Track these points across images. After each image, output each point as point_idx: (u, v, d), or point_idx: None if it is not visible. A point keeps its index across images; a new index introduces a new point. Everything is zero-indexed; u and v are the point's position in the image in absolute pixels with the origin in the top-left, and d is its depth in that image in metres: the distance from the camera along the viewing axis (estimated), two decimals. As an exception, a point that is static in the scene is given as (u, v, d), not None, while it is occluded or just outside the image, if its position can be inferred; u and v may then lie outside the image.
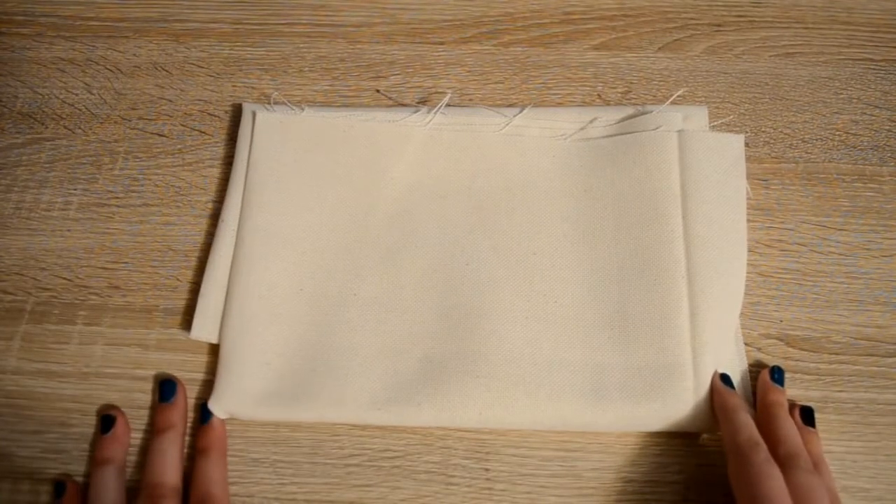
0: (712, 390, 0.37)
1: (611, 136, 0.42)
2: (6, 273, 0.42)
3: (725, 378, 0.37)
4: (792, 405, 0.37)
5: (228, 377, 0.37)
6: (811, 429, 0.36)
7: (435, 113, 0.43)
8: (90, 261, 0.42)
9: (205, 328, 0.39)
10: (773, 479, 0.32)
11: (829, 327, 0.39)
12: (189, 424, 0.38)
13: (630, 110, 0.43)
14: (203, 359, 0.39)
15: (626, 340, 0.38)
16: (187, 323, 0.40)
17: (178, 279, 0.41)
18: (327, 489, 0.37)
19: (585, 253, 0.40)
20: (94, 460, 0.36)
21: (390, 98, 0.46)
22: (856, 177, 0.43)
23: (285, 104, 0.44)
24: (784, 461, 0.33)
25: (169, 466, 0.36)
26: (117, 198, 0.43)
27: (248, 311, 0.38)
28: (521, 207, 0.41)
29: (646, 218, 0.40)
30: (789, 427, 0.35)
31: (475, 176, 0.42)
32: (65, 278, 0.41)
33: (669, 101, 0.44)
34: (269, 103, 0.44)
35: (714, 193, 0.40)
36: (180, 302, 0.41)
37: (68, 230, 0.43)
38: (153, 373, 0.39)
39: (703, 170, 0.40)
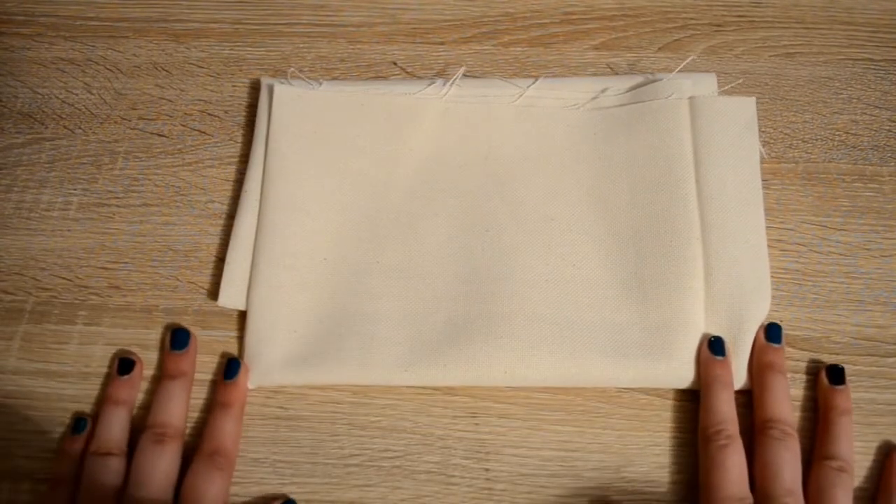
0: (697, 360, 0.37)
1: (623, 104, 0.43)
2: (6, 273, 0.42)
3: (716, 343, 0.37)
4: (820, 365, 0.38)
5: (257, 345, 0.38)
6: (839, 387, 0.37)
7: (450, 85, 0.44)
8: (90, 261, 0.42)
9: (232, 296, 0.40)
10: (723, 469, 0.34)
11: (829, 327, 0.39)
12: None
13: (640, 78, 0.44)
14: (203, 359, 0.39)
15: (643, 301, 0.38)
16: (187, 323, 0.40)
17: (178, 279, 0.41)
18: (327, 489, 0.37)
19: (601, 218, 0.41)
20: (107, 399, 0.37)
21: (406, 71, 0.46)
22: (856, 177, 0.43)
23: (302, 79, 0.45)
24: (759, 428, 0.35)
25: (176, 409, 0.37)
26: (117, 198, 0.43)
27: (274, 281, 0.39)
28: (538, 175, 0.42)
29: (660, 183, 0.41)
30: (775, 392, 0.36)
31: (491, 145, 0.43)
32: (65, 278, 0.41)
33: (679, 68, 0.44)
34: (285, 78, 0.45)
35: (727, 156, 0.41)
36: (180, 302, 0.41)
37: (68, 230, 0.43)
38: (153, 373, 0.39)
39: (714, 134, 0.41)
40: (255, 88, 0.46)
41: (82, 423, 0.37)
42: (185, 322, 0.40)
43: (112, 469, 0.35)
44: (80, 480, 0.35)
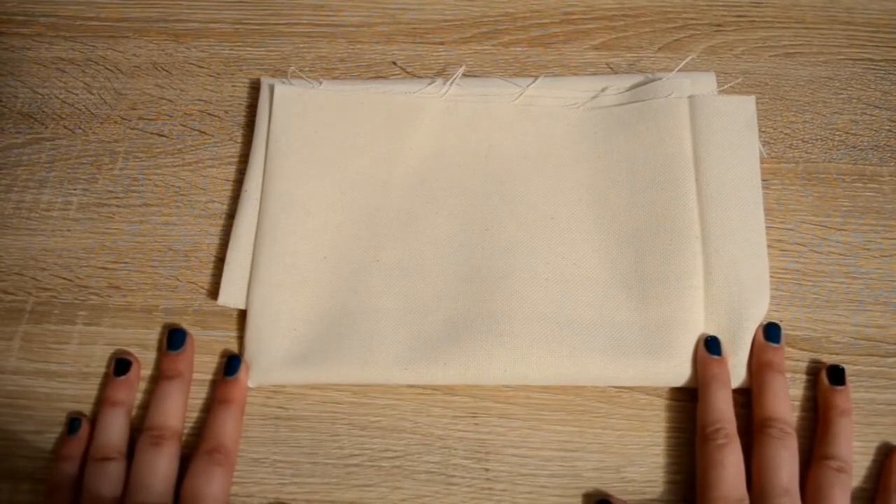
0: (695, 359, 0.37)
1: (623, 104, 0.43)
2: (6, 273, 0.42)
3: (712, 343, 0.37)
4: (820, 365, 0.38)
5: (257, 344, 0.38)
6: (838, 387, 0.37)
7: (450, 84, 0.44)
8: (90, 261, 0.42)
9: (232, 294, 0.40)
10: (721, 468, 0.34)
11: (829, 327, 0.39)
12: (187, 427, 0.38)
13: (640, 78, 0.44)
14: (202, 359, 0.39)
15: (643, 299, 0.38)
16: (187, 323, 0.40)
17: (178, 279, 0.41)
18: (327, 489, 0.37)
19: (601, 216, 0.41)
20: (105, 401, 0.37)
21: (406, 71, 0.46)
22: (856, 177, 0.43)
23: (302, 78, 0.45)
24: (757, 427, 0.35)
25: (173, 410, 0.37)
26: (117, 198, 0.43)
27: (274, 279, 0.40)
28: (538, 174, 0.42)
29: (659, 181, 0.41)
30: (774, 391, 0.36)
31: (491, 144, 0.43)
32: (65, 278, 0.41)
33: (679, 67, 0.44)
34: (286, 78, 0.45)
35: (726, 155, 0.41)
36: (180, 302, 0.41)
37: (68, 230, 0.43)
38: (153, 374, 0.39)
39: (714, 133, 0.41)
40: (255, 88, 0.46)
41: (77, 424, 0.37)
42: (185, 322, 0.40)
43: (111, 475, 0.35)
44: (78, 485, 0.35)
